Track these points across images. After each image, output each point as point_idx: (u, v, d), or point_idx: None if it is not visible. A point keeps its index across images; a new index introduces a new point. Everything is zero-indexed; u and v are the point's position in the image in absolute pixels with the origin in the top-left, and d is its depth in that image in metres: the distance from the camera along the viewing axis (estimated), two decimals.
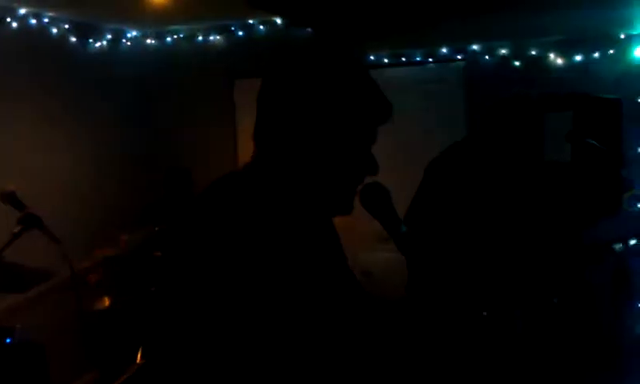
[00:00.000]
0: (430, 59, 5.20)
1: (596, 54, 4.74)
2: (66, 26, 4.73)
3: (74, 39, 4.83)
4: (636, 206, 2.86)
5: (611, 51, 4.70)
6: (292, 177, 1.30)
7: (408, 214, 2.92)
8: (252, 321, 1.14)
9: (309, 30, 4.99)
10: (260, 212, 1.25)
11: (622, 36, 4.69)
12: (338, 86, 1.27)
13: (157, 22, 5.14)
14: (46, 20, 4.54)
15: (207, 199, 1.28)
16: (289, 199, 1.30)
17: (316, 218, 1.37)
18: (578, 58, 4.77)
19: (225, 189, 1.29)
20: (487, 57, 4.99)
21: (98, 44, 5.09)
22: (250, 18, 5.19)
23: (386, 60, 5.24)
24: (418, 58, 5.21)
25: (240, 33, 5.27)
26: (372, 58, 5.20)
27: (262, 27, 5.21)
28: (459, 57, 5.08)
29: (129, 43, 5.39)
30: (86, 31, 4.96)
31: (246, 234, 1.18)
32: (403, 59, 5.24)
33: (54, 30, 4.63)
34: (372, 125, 1.30)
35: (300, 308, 1.23)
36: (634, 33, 4.60)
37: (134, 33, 5.40)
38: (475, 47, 5.02)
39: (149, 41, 5.46)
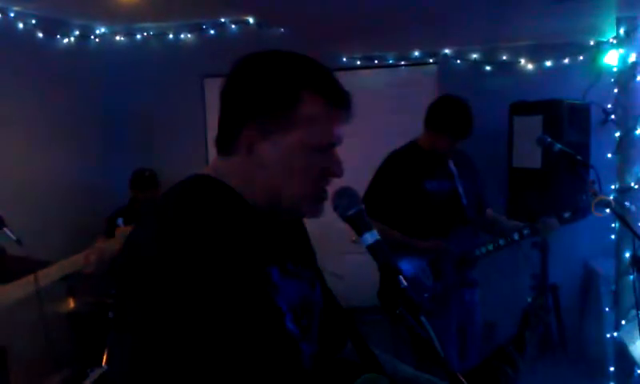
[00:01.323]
0: (403, 62, 5.21)
1: (566, 60, 4.80)
2: (33, 22, 4.63)
3: (41, 35, 4.73)
4: (603, 211, 2.88)
5: (581, 57, 4.76)
6: (255, 181, 1.28)
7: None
8: (219, 328, 1.10)
9: (281, 30, 4.97)
10: (227, 216, 1.23)
11: (592, 43, 4.75)
12: (294, 83, 1.25)
13: (127, 18, 5.06)
14: (12, 15, 4.43)
15: (174, 203, 1.24)
16: (254, 203, 1.29)
17: (284, 220, 1.36)
18: (548, 63, 4.82)
19: (191, 193, 1.27)
20: (459, 61, 5.01)
21: (65, 40, 4.99)
22: (222, 17, 5.15)
23: (358, 62, 5.24)
24: (390, 61, 5.22)
25: (212, 31, 5.22)
26: (345, 60, 5.19)
27: (234, 26, 5.17)
28: (431, 60, 5.10)
29: (97, 40, 5.30)
30: (54, 27, 4.86)
31: (214, 239, 1.15)
32: (376, 62, 5.24)
33: (21, 25, 4.53)
34: (331, 122, 1.29)
35: (265, 309, 1.21)
36: (603, 40, 4.66)
37: (103, 29, 5.31)
38: (447, 51, 5.04)
39: (118, 38, 5.37)
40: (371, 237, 1.32)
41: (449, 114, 3.30)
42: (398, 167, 3.35)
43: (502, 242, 3.37)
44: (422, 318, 1.26)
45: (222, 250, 1.14)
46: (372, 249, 1.31)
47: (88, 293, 4.01)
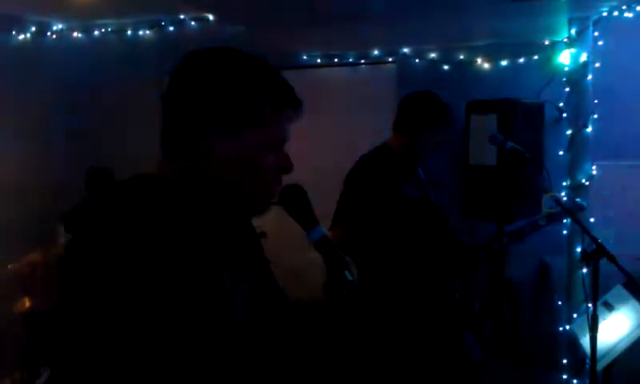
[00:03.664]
0: (363, 61, 5.25)
1: (521, 60, 4.90)
2: None
3: None
4: (554, 207, 2.97)
5: (536, 57, 4.86)
6: (211, 182, 1.28)
7: (335, 217, 3.09)
8: (170, 331, 1.09)
9: (241, 28, 4.96)
10: (178, 219, 1.21)
11: (547, 42, 4.86)
12: (253, 87, 1.27)
13: (84, 14, 4.99)
14: None
15: (119, 204, 1.21)
16: (203, 203, 1.28)
17: (233, 220, 1.36)
18: (504, 63, 4.91)
19: (140, 195, 1.24)
20: (417, 60, 5.08)
21: (21, 36, 4.91)
22: (182, 14, 5.12)
23: (318, 60, 5.27)
24: (350, 60, 5.26)
25: (171, 28, 5.19)
26: (305, 58, 5.21)
27: (193, 23, 5.14)
28: (390, 59, 5.15)
29: (54, 36, 5.22)
30: (9, 23, 4.78)
31: (162, 242, 1.14)
32: (336, 60, 5.28)
33: None
34: (283, 121, 1.31)
35: (221, 313, 1.22)
36: (558, 39, 4.77)
37: (60, 26, 5.23)
38: (406, 50, 5.10)
39: (75, 34, 5.30)
40: (318, 232, 1.34)
41: (432, 106, 3.17)
42: (373, 172, 3.14)
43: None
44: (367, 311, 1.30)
45: (176, 254, 1.13)
46: (319, 244, 1.34)
47: (44, 292, 3.95)
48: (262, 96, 1.27)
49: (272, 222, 1.52)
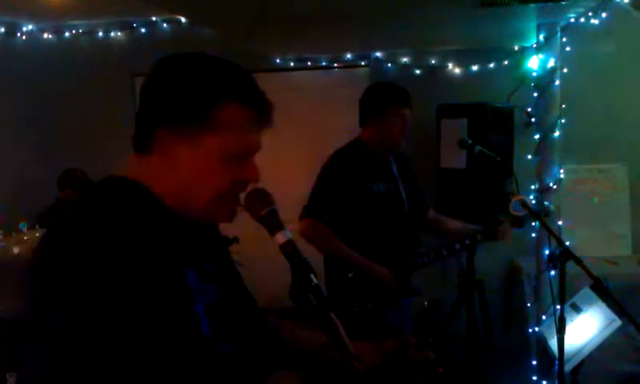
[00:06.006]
0: (336, 65, 5.28)
1: (491, 65, 4.96)
2: None
3: None
4: (521, 210, 3.00)
5: (506, 62, 4.93)
6: (168, 182, 1.27)
7: (307, 207, 3.17)
8: (134, 338, 1.09)
9: (214, 30, 4.94)
10: (141, 219, 1.22)
11: (516, 48, 4.93)
12: (213, 88, 1.25)
13: (55, 16, 4.94)
14: None
15: (87, 207, 1.22)
16: (163, 207, 1.28)
17: (198, 225, 1.36)
18: (475, 67, 4.97)
19: (105, 196, 1.25)
20: (390, 64, 5.11)
21: None
22: (154, 16, 5.09)
23: (292, 64, 5.27)
24: (323, 63, 5.28)
25: (142, 30, 5.16)
26: (278, 61, 5.22)
27: (165, 25, 5.12)
28: (363, 63, 5.18)
29: (24, 37, 5.16)
30: None
31: (128, 244, 1.14)
32: (309, 64, 5.29)
33: None
34: (248, 128, 1.29)
35: (181, 317, 1.21)
36: (527, 45, 4.84)
37: (30, 26, 5.17)
38: (379, 54, 5.13)
39: (46, 35, 5.24)
40: (283, 236, 1.34)
41: (385, 89, 3.30)
42: (346, 167, 3.22)
43: (444, 252, 3.40)
44: (332, 315, 1.30)
45: (136, 257, 1.13)
46: (284, 248, 1.33)
47: (13, 298, 3.89)
48: (226, 103, 1.24)
49: (248, 225, 1.51)
